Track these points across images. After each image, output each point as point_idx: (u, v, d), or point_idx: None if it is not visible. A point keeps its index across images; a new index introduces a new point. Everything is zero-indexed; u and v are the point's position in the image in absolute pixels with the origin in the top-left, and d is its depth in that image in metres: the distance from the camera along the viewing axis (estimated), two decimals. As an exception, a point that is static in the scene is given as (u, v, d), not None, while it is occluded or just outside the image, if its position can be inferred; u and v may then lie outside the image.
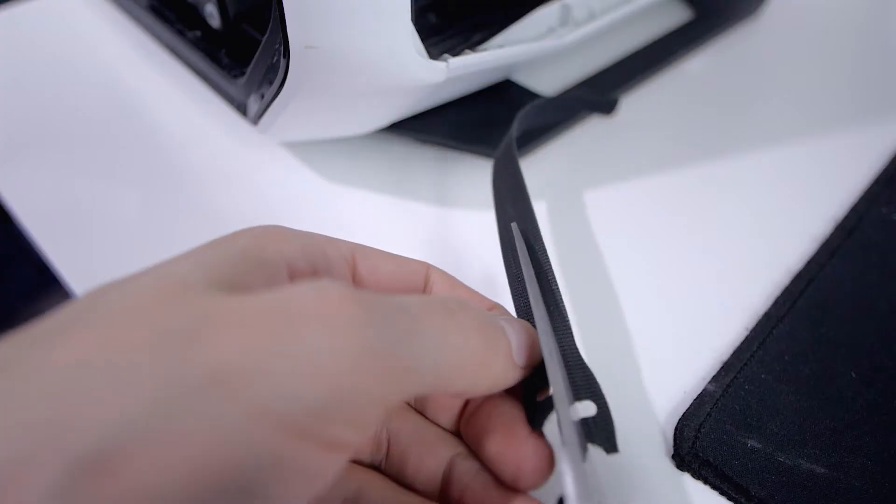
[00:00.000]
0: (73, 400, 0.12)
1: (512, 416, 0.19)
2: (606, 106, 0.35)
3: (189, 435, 0.12)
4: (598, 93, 0.36)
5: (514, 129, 0.28)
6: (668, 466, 0.22)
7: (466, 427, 0.20)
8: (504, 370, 0.17)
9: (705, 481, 0.22)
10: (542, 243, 0.22)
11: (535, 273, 0.21)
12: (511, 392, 0.19)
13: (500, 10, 0.33)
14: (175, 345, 0.13)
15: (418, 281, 0.20)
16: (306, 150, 0.34)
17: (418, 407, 0.21)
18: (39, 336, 0.13)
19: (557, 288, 0.21)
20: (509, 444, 0.18)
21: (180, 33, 0.35)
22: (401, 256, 0.20)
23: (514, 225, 0.22)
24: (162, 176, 0.33)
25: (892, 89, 0.40)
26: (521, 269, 0.21)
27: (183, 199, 0.32)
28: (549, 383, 0.18)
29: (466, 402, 0.20)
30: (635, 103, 0.38)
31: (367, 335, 0.14)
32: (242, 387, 0.13)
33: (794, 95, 0.39)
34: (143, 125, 0.36)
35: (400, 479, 0.20)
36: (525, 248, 0.22)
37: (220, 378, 0.13)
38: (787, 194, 0.32)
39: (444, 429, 0.20)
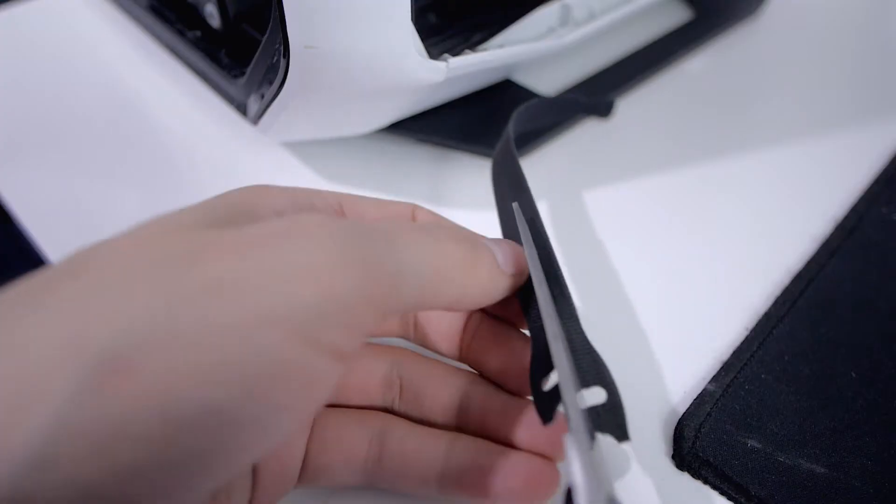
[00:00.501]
0: (84, 314, 0.13)
1: (508, 333, 0.20)
2: (602, 109, 0.35)
3: (196, 337, 0.13)
4: (596, 95, 0.36)
5: (511, 127, 0.28)
6: (668, 466, 0.22)
7: (469, 353, 0.21)
8: (491, 276, 0.18)
9: (705, 481, 0.22)
10: (544, 229, 0.22)
11: (539, 255, 0.20)
12: (505, 312, 0.21)
13: (500, 10, 0.33)
14: (176, 263, 0.14)
15: (405, 218, 0.21)
16: (306, 150, 0.34)
17: (420, 340, 0.22)
18: (47, 278, 0.14)
19: (561, 273, 0.20)
20: (510, 356, 0.20)
21: (180, 33, 0.35)
22: (386, 201, 0.21)
23: (515, 205, 0.22)
24: (162, 176, 0.33)
25: (892, 89, 0.40)
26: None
27: (183, 199, 0.31)
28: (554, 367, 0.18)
29: (464, 331, 0.21)
30: (635, 103, 0.38)
31: (350, 245, 0.15)
32: (244, 292, 0.13)
33: (794, 95, 0.39)
34: (143, 125, 0.36)
35: (416, 415, 0.21)
36: (527, 229, 0.21)
37: (223, 286, 0.13)
38: (787, 194, 0.32)
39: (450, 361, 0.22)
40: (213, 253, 0.14)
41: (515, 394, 0.20)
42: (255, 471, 0.18)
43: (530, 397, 0.20)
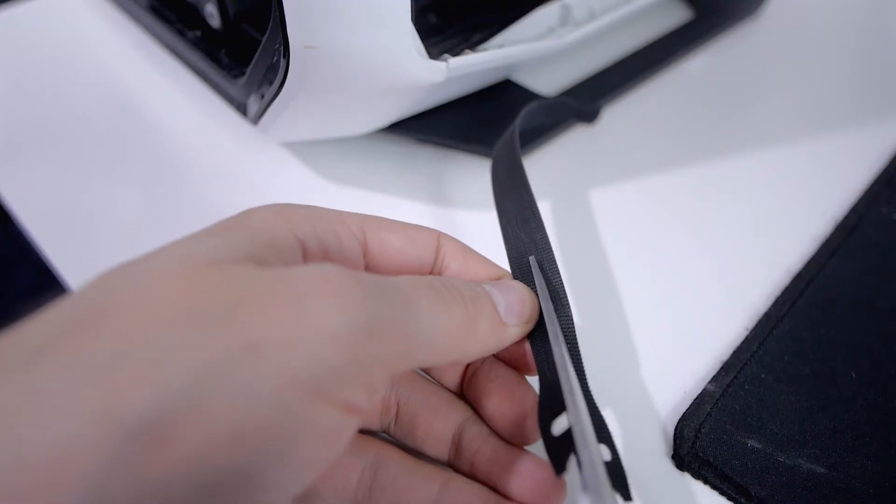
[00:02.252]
0: (119, 378, 0.13)
1: (508, 377, 0.20)
2: (589, 114, 0.35)
3: (231, 401, 0.13)
4: (597, 94, 0.36)
5: (518, 124, 0.28)
6: (668, 466, 0.22)
7: (469, 389, 0.21)
8: (490, 332, 0.18)
9: (705, 481, 0.22)
10: (556, 266, 0.22)
11: (553, 306, 0.20)
12: (510, 358, 0.21)
13: (500, 10, 0.33)
14: (213, 320, 0.14)
15: (429, 252, 0.21)
16: (306, 150, 0.34)
17: (425, 370, 0.22)
18: (71, 321, 0.14)
19: (572, 321, 0.21)
20: (506, 402, 0.20)
21: (180, 33, 0.35)
22: (411, 227, 0.21)
23: (532, 259, 0.22)
24: (162, 176, 0.33)
25: (892, 89, 0.40)
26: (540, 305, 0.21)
27: (183, 199, 0.32)
28: (563, 408, 0.18)
29: (468, 367, 0.21)
30: (635, 103, 0.38)
31: (371, 308, 0.15)
32: (273, 356, 0.14)
33: (794, 95, 0.39)
34: (143, 125, 0.36)
35: (409, 443, 0.21)
36: (544, 283, 0.21)
37: (254, 349, 0.14)
38: (787, 194, 0.32)
39: (451, 390, 0.22)
40: (246, 308, 0.14)
41: (506, 439, 0.20)
42: None
43: (527, 447, 0.20)
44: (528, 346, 0.20)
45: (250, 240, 0.16)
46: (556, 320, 0.20)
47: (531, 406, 0.20)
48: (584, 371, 0.20)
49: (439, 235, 0.21)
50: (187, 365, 0.13)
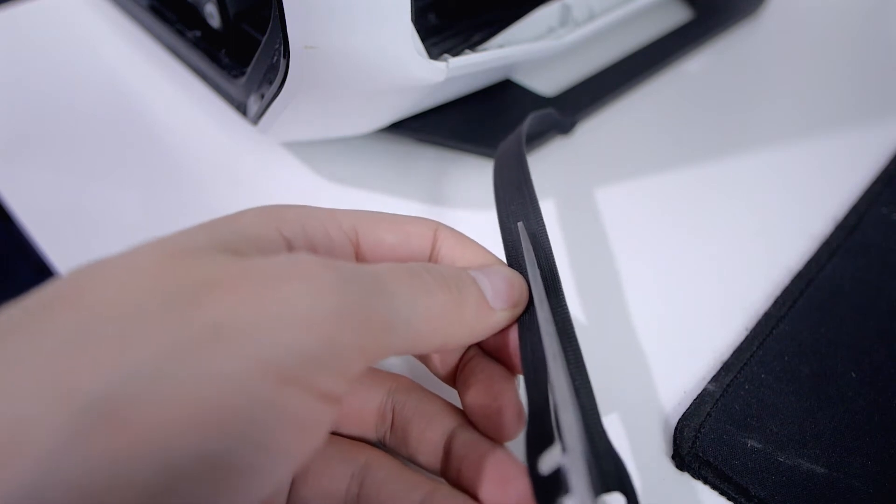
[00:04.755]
0: (77, 358, 0.12)
1: (492, 371, 0.20)
2: (565, 126, 0.34)
3: (192, 385, 0.13)
4: (597, 94, 0.36)
5: (526, 127, 0.27)
6: (668, 466, 0.22)
7: (458, 383, 0.21)
8: (476, 317, 0.18)
9: (705, 481, 0.22)
10: (550, 247, 0.21)
11: (545, 292, 0.20)
12: (497, 353, 0.20)
13: (499, 10, 0.33)
14: (178, 303, 0.14)
15: (424, 246, 0.20)
16: (306, 150, 0.34)
17: (423, 360, 0.22)
18: (40, 305, 0.14)
19: (566, 306, 0.20)
20: (483, 395, 0.19)
21: (180, 33, 0.35)
22: (408, 221, 0.21)
23: (520, 224, 0.21)
24: (162, 176, 0.33)
25: (892, 89, 0.40)
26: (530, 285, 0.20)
27: (183, 199, 0.32)
28: (552, 437, 0.16)
29: (461, 359, 0.21)
30: (635, 103, 0.38)
31: (344, 292, 0.15)
32: (242, 339, 0.13)
33: (794, 95, 0.39)
34: (143, 125, 0.36)
35: (403, 452, 0.20)
36: (532, 251, 0.21)
37: (221, 331, 0.13)
38: (787, 194, 0.32)
39: (443, 379, 0.21)
40: (213, 292, 0.14)
41: (487, 436, 0.19)
42: None
43: (506, 444, 0.19)
44: (513, 339, 0.19)
45: (231, 234, 0.16)
46: (547, 307, 0.19)
47: (508, 400, 0.19)
48: (583, 363, 0.18)
49: (436, 227, 0.21)
50: (148, 346, 0.13)
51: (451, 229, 0.21)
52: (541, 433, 0.17)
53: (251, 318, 0.14)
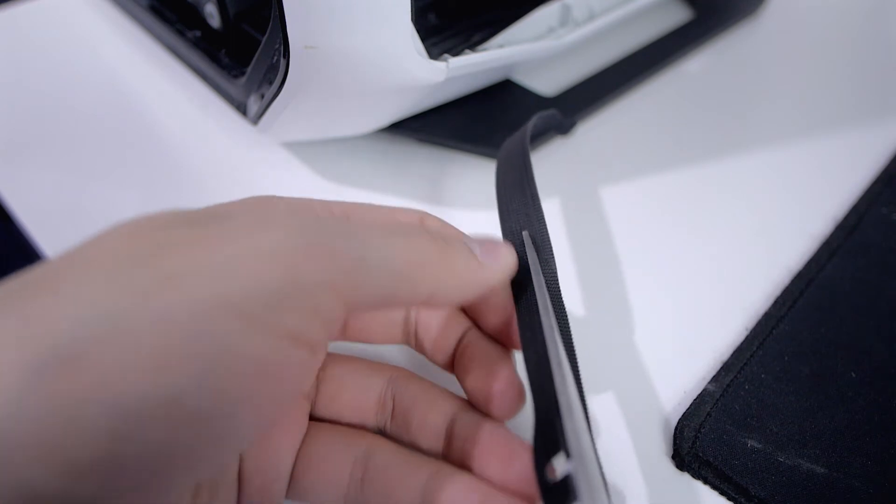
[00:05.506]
0: (34, 309, 0.13)
1: (490, 351, 0.20)
2: (565, 127, 0.34)
3: (145, 328, 0.13)
4: (597, 94, 0.36)
5: (530, 126, 0.27)
6: (668, 466, 0.22)
7: (456, 367, 0.21)
8: (467, 266, 0.18)
9: (705, 481, 0.22)
10: (552, 251, 0.21)
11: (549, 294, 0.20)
12: (498, 330, 0.20)
13: (499, 10, 0.33)
14: (136, 260, 0.14)
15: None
16: (306, 150, 0.34)
17: (419, 348, 0.22)
18: (22, 277, 0.14)
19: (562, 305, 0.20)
20: (482, 376, 0.19)
21: (180, 33, 0.35)
22: (396, 211, 0.21)
23: (525, 234, 0.21)
24: (162, 176, 0.33)
25: (892, 89, 0.40)
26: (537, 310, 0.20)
27: (183, 199, 0.32)
28: (560, 445, 0.16)
29: (458, 344, 0.21)
30: (635, 103, 0.38)
31: (309, 232, 0.15)
32: (198, 281, 0.13)
33: (794, 95, 0.39)
34: (143, 125, 0.36)
35: (405, 439, 0.20)
36: (536, 258, 0.21)
37: (178, 277, 0.13)
38: (787, 194, 0.32)
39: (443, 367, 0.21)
40: (174, 248, 0.14)
41: (486, 414, 0.20)
42: (239, 482, 0.18)
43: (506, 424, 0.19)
44: (513, 317, 0.20)
45: (211, 212, 0.16)
46: (547, 296, 0.19)
47: (506, 378, 0.19)
48: (579, 372, 0.19)
49: (423, 215, 0.21)
50: (105, 294, 0.13)
51: (436, 217, 0.21)
52: (546, 441, 0.16)
53: (208, 261, 0.14)
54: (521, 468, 0.18)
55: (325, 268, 0.14)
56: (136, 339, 0.13)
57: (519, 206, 0.23)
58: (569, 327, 0.20)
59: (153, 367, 0.13)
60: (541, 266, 0.21)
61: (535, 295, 0.19)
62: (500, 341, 0.21)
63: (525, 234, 0.22)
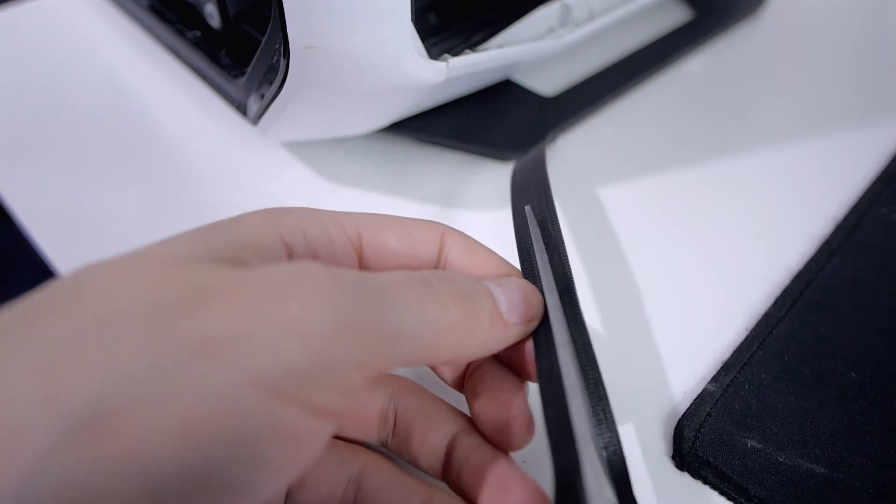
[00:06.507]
0: (66, 366, 0.12)
1: (501, 378, 0.19)
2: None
3: (180, 397, 0.13)
4: (597, 94, 0.36)
5: (546, 143, 0.27)
6: (668, 466, 0.22)
7: (466, 390, 0.20)
8: (490, 331, 0.17)
9: (705, 481, 0.22)
10: (566, 253, 0.20)
11: (555, 281, 0.19)
12: (509, 360, 0.20)
13: (499, 10, 0.33)
14: (168, 314, 0.13)
15: (430, 250, 0.20)
16: (306, 150, 0.34)
17: (430, 368, 0.21)
18: (33, 310, 0.14)
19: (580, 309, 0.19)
20: (492, 404, 0.19)
21: (180, 33, 0.35)
22: (413, 224, 0.20)
23: (527, 208, 0.21)
24: (162, 176, 0.33)
25: (892, 89, 0.40)
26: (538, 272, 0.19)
27: (183, 199, 0.32)
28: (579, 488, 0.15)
29: (469, 365, 0.20)
30: (635, 103, 0.38)
31: (343, 305, 0.15)
32: (232, 353, 0.13)
33: (794, 95, 0.39)
34: (143, 125, 0.36)
35: (405, 456, 0.20)
36: (540, 236, 0.20)
37: (211, 344, 0.13)
38: (786, 194, 0.32)
39: (451, 385, 0.21)
40: (207, 304, 0.14)
41: (494, 444, 0.19)
42: None
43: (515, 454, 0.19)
44: (528, 347, 0.19)
45: (230, 240, 0.16)
46: (563, 318, 0.19)
47: (517, 410, 0.18)
48: (600, 376, 0.18)
49: (444, 231, 0.20)
50: (137, 356, 0.13)
51: (459, 233, 0.20)
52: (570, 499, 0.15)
53: (244, 331, 0.13)
54: (516, 503, 0.17)
55: (355, 350, 0.15)
56: (165, 408, 0.12)
57: (534, 206, 0.22)
58: (588, 337, 0.19)
59: (185, 436, 0.12)
60: (552, 266, 0.20)
61: (557, 348, 0.18)
62: (514, 370, 0.20)
63: (528, 208, 0.21)
